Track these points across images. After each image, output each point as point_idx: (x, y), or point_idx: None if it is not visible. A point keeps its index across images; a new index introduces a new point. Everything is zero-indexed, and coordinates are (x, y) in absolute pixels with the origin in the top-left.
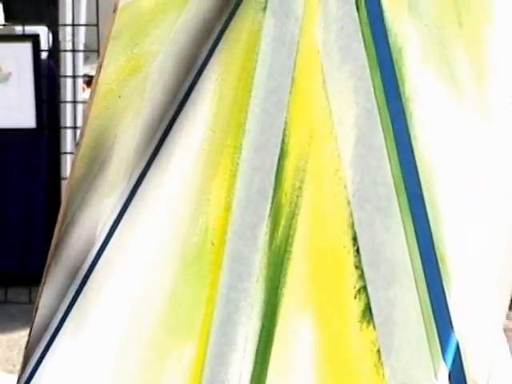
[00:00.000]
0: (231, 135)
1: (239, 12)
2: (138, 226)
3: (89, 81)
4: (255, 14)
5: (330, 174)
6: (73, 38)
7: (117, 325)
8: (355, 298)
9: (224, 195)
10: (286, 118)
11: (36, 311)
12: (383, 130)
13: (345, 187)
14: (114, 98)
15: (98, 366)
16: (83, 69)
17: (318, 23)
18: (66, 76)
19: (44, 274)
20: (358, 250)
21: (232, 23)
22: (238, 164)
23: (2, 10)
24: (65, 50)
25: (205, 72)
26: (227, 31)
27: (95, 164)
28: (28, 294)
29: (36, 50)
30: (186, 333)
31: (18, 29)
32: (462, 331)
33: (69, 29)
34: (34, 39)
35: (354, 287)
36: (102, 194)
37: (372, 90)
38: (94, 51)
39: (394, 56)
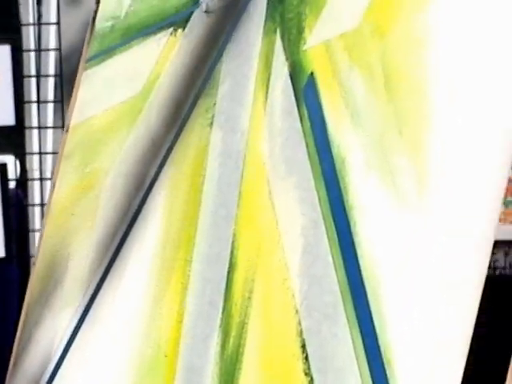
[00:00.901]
0: (182, 249)
1: (186, 128)
2: (93, 341)
3: None
4: (202, 130)
5: (278, 284)
6: (40, 166)
7: None
8: None
9: (176, 308)
10: (235, 230)
11: None
12: (328, 239)
13: (293, 296)
14: (66, 217)
15: None
16: None
17: (263, 136)
18: (34, 205)
19: None
20: (306, 358)
21: (179, 140)
22: (189, 276)
23: None
24: (32, 179)
25: (154, 189)
26: (175, 148)
27: (50, 282)
28: None
29: (3, 179)
30: None
31: None
32: None
33: (36, 158)
34: (2, 168)
35: None
36: (56, 311)
37: (317, 200)
38: None
39: (338, 166)
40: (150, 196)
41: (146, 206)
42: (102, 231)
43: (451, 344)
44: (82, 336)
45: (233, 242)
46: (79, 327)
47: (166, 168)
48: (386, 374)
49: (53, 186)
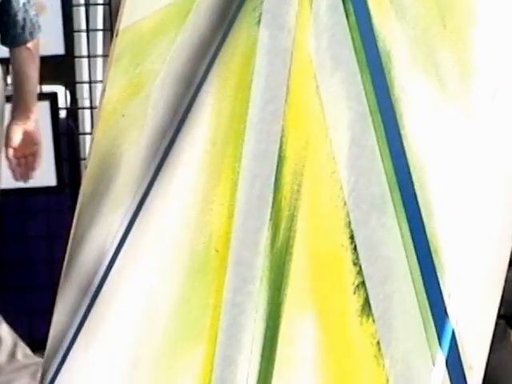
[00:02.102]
0: (231, 146)
1: (234, 27)
2: (145, 238)
3: None
4: (250, 29)
5: (327, 177)
6: (90, 95)
7: (128, 334)
8: (354, 293)
9: (226, 203)
10: (283, 125)
11: (50, 330)
12: (375, 131)
13: (341, 188)
14: (117, 118)
15: (111, 376)
16: None
17: (309, 33)
18: (84, 133)
19: (57, 293)
20: (355, 248)
21: (228, 38)
22: (238, 173)
23: None
24: (83, 108)
25: (203, 87)
26: (223, 47)
27: (103, 182)
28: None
29: (54, 108)
30: (195, 337)
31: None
32: (457, 319)
33: (86, 87)
34: (52, 98)
35: (353, 283)
36: (109, 211)
37: (363, 93)
38: None
39: (383, 60)
40: (199, 95)
41: (195, 105)
42: (152, 131)
43: (497, 232)
44: (135, 234)
45: (281, 137)
46: (131, 226)
47: (214, 67)
48: (433, 263)
49: (103, 90)
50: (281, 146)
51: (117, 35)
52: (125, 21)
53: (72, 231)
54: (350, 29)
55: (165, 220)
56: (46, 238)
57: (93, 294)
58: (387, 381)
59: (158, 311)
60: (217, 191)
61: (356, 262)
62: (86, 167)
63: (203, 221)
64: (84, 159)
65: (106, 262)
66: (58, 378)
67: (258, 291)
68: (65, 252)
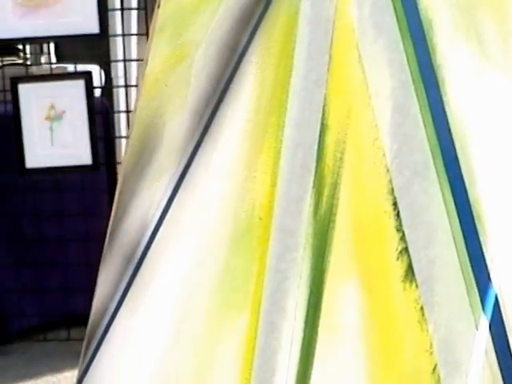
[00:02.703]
0: (274, 114)
1: None
2: (189, 207)
3: None
4: None
5: (369, 144)
6: (125, 73)
7: (171, 302)
8: (397, 259)
9: (269, 172)
10: (325, 94)
11: (94, 298)
12: (418, 99)
13: (383, 155)
14: (160, 88)
15: (155, 343)
16: None
17: (351, 2)
18: (119, 112)
19: (101, 262)
20: (398, 214)
21: (270, 8)
22: (281, 141)
23: (53, 50)
24: (117, 86)
25: (246, 56)
26: (266, 16)
27: (145, 152)
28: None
29: (89, 87)
30: (238, 304)
31: (70, 68)
32: (500, 284)
33: (120, 65)
34: (87, 77)
35: (396, 249)
36: (152, 180)
37: (405, 61)
38: None
39: (425, 28)
40: (242, 64)
41: (238, 74)
42: (195, 100)
43: None
44: (178, 203)
45: (324, 106)
46: (174, 195)
47: (257, 36)
48: (476, 228)
49: (146, 60)
50: (323, 115)
51: (159, 6)
52: None
53: (115, 201)
54: None
55: (208, 188)
56: (82, 215)
57: (136, 263)
58: (431, 345)
59: (201, 279)
60: (260, 160)
61: (399, 228)
62: (127, 138)
63: (246, 189)
64: (119, 137)
65: (150, 231)
66: (103, 346)
67: (301, 258)
68: (99, 229)
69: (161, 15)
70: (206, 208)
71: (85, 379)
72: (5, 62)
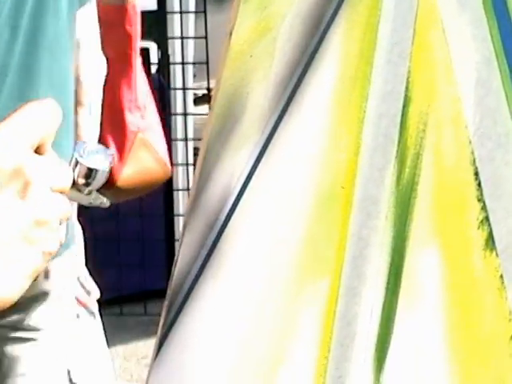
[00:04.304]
0: (358, 86)
1: None
2: (272, 174)
3: (195, 99)
4: None
5: (452, 116)
6: (182, 51)
7: (254, 266)
8: (478, 228)
9: (353, 141)
10: (409, 66)
11: (175, 265)
12: (501, 74)
13: (466, 127)
14: (245, 59)
15: (238, 307)
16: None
17: None
18: (175, 88)
19: (182, 229)
20: (479, 184)
21: None
22: (365, 111)
23: None
24: (174, 63)
25: (331, 29)
26: None
27: (229, 121)
28: (143, 307)
29: (145, 64)
30: (320, 269)
31: None
32: None
33: (178, 43)
34: (144, 53)
35: (477, 219)
36: (236, 148)
37: (489, 37)
38: (203, 63)
39: (509, 5)
40: (327, 36)
41: (323, 46)
42: (279, 71)
43: None
44: (261, 170)
45: (408, 78)
46: (258, 162)
47: (342, 9)
48: None
49: (230, 33)
50: (407, 87)
51: None
52: None
53: (197, 168)
54: None
55: (291, 158)
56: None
57: (219, 229)
58: (510, 313)
59: (284, 244)
60: (343, 129)
61: (480, 198)
62: (211, 108)
63: (329, 158)
64: (174, 114)
65: (233, 198)
66: (183, 311)
67: (383, 226)
68: (155, 207)
69: None
70: (288, 176)
71: (165, 342)
72: None
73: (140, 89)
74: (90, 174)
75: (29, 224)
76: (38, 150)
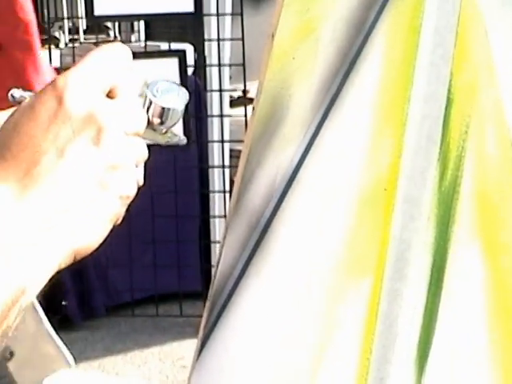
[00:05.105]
0: (401, 87)
1: None
2: (314, 176)
3: (231, 101)
4: None
5: (494, 118)
6: (218, 53)
7: (297, 266)
8: None
9: (396, 143)
10: (452, 69)
11: (217, 265)
12: None
13: (508, 129)
14: (287, 60)
15: (280, 307)
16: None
17: None
18: (212, 90)
19: (225, 229)
20: None
21: None
22: (407, 114)
23: (143, 28)
24: (211, 65)
25: (374, 31)
26: None
27: (271, 123)
28: (179, 308)
29: (182, 65)
30: (363, 270)
31: (163, 47)
32: None
33: (214, 45)
34: (181, 55)
35: None
36: (278, 150)
37: None
38: (240, 65)
39: None
40: (370, 38)
41: (366, 48)
42: (322, 73)
43: None
44: (305, 171)
45: (450, 80)
46: (301, 163)
47: (384, 13)
48: None
49: (272, 35)
50: (449, 89)
51: None
52: None
53: (240, 169)
54: None
55: (334, 158)
56: (172, 193)
57: (262, 230)
58: None
59: (326, 244)
60: (387, 131)
61: None
62: (253, 108)
63: (373, 160)
64: (211, 116)
65: (276, 199)
66: (227, 309)
67: (425, 228)
68: (189, 206)
69: None
70: (331, 178)
71: (207, 343)
72: (99, 40)
73: (45, 71)
74: (164, 113)
75: (105, 170)
76: (109, 94)
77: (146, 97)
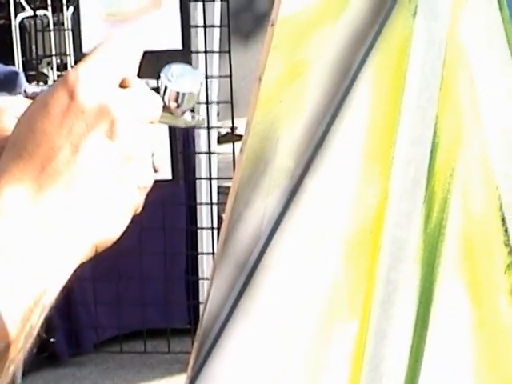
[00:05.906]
0: (387, 131)
1: (391, 19)
2: (301, 218)
3: (219, 137)
4: (406, 20)
5: (480, 162)
6: (206, 90)
7: (284, 308)
8: (505, 273)
9: (381, 186)
10: (437, 112)
11: (205, 305)
12: None
13: (493, 172)
14: (274, 103)
15: (268, 348)
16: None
17: (464, 24)
18: (199, 128)
19: (213, 269)
20: (506, 230)
21: (384, 30)
22: (393, 157)
23: None
24: (199, 102)
25: (360, 75)
26: (380, 37)
27: (259, 165)
28: (167, 345)
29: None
30: (350, 312)
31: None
32: None
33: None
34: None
35: (504, 263)
36: (266, 193)
37: None
38: (228, 102)
39: None
40: (356, 81)
41: (352, 91)
42: (309, 116)
43: None
44: (290, 218)
45: (436, 124)
46: (286, 209)
47: (371, 56)
48: None
49: (259, 78)
50: (435, 132)
51: (272, 25)
52: (282, 12)
53: (227, 211)
54: (504, 21)
55: (320, 203)
56: (161, 229)
57: (249, 272)
58: None
59: (313, 286)
60: (373, 175)
61: (507, 243)
62: (241, 150)
63: (359, 203)
64: (198, 153)
65: (263, 240)
66: (214, 351)
67: (411, 269)
68: (177, 243)
69: (276, 34)
70: (317, 221)
71: (197, 380)
72: None
73: None
74: (180, 97)
75: (120, 162)
76: (122, 84)
77: (161, 82)
